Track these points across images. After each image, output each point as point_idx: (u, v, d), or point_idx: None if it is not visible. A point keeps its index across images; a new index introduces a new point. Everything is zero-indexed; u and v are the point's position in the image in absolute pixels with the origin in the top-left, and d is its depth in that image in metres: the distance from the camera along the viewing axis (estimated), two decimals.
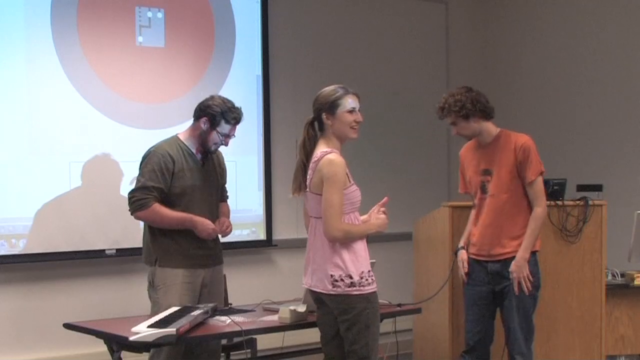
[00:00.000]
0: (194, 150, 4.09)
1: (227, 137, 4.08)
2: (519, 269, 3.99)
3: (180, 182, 4.01)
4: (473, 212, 4.22)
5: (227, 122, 4.03)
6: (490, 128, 4.11)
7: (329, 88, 3.57)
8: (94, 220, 5.07)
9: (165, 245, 4.01)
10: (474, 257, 4.16)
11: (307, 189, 3.53)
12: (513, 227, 4.03)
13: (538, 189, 4.03)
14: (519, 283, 3.98)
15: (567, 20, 6.46)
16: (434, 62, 6.88)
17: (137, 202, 3.95)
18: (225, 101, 4.08)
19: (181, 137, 4.12)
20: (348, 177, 3.47)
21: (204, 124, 4.05)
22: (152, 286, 4.06)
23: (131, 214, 4.02)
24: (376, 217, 3.59)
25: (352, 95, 3.55)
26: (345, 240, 3.44)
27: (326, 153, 3.46)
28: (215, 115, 4.02)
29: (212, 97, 4.11)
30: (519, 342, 4.05)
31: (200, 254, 4.06)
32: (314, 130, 3.56)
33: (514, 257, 4.01)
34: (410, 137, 6.63)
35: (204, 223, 4.01)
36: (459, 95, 4.06)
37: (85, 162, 5.04)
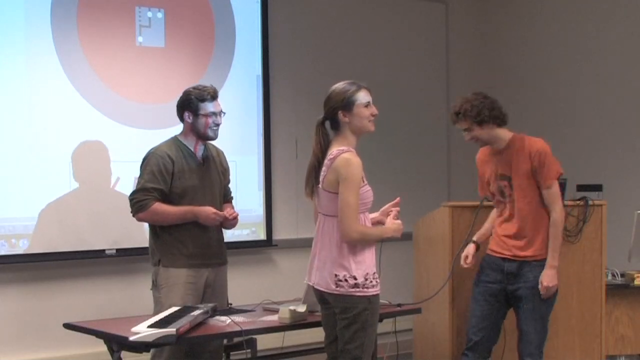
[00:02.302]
0: (193, 150, 4.10)
1: (215, 115, 4.08)
2: (550, 279, 4.03)
3: (181, 183, 4.02)
4: (494, 212, 4.25)
5: (204, 100, 4.05)
6: (503, 134, 4.12)
7: (340, 85, 3.54)
8: (94, 220, 5.07)
9: (168, 245, 4.02)
10: (491, 252, 4.19)
11: (320, 185, 3.50)
12: (534, 232, 4.06)
13: (553, 192, 4.06)
14: (546, 288, 4.02)
15: (567, 20, 6.46)
16: (434, 62, 6.88)
17: (137, 203, 3.98)
18: (194, 87, 4.13)
19: (180, 138, 4.14)
20: (362, 177, 3.45)
21: (188, 117, 4.07)
22: (155, 286, 4.06)
23: (133, 216, 4.04)
24: (392, 222, 3.58)
25: (365, 89, 3.54)
26: (360, 242, 3.42)
27: (342, 152, 3.43)
28: (191, 102, 4.06)
29: (183, 92, 4.15)
30: (531, 345, 4.07)
31: (203, 253, 4.06)
32: (326, 130, 3.54)
33: (533, 261, 4.05)
34: (410, 137, 6.63)
35: (206, 210, 4.02)
36: (475, 101, 4.06)
37: (85, 162, 5.04)
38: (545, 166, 4.02)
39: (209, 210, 4.03)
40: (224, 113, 4.15)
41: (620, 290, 4.80)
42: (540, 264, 4.06)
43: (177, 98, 5.32)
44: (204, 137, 4.10)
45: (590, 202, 4.55)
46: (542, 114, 6.59)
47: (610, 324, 4.75)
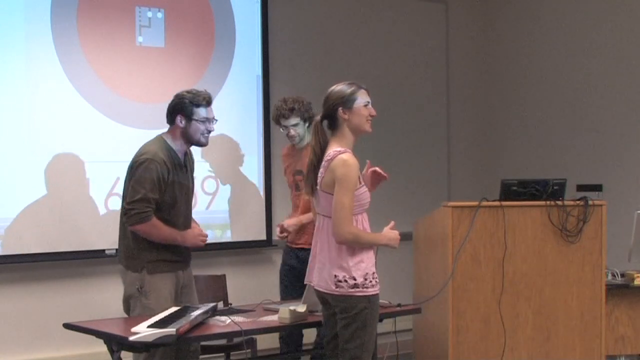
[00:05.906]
0: (179, 154, 3.98)
1: (208, 121, 3.97)
2: None
3: (173, 192, 3.91)
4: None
5: (199, 105, 3.92)
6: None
7: (342, 84, 3.56)
8: (94, 220, 5.07)
9: (151, 252, 3.89)
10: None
11: (318, 187, 3.51)
12: None
13: None
14: None
15: (567, 21, 6.46)
16: (434, 62, 6.88)
17: (139, 215, 3.79)
18: (187, 91, 3.98)
19: (167, 139, 3.97)
20: (359, 178, 3.46)
21: (180, 122, 3.92)
22: (140, 293, 3.91)
23: (129, 226, 3.85)
24: (389, 231, 3.58)
25: (364, 90, 3.57)
26: (353, 244, 3.43)
27: (339, 152, 3.44)
28: (185, 106, 3.91)
29: (175, 95, 4.00)
30: None
31: (176, 259, 3.99)
32: (324, 129, 3.55)
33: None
34: (410, 137, 6.63)
35: (192, 235, 3.99)
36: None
37: (85, 162, 5.05)
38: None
39: (195, 232, 4.00)
40: (216, 120, 4.03)
41: (620, 290, 4.80)
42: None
43: None
44: (195, 144, 4.00)
45: (590, 202, 4.55)
46: (542, 113, 6.59)
47: (610, 324, 4.75)
